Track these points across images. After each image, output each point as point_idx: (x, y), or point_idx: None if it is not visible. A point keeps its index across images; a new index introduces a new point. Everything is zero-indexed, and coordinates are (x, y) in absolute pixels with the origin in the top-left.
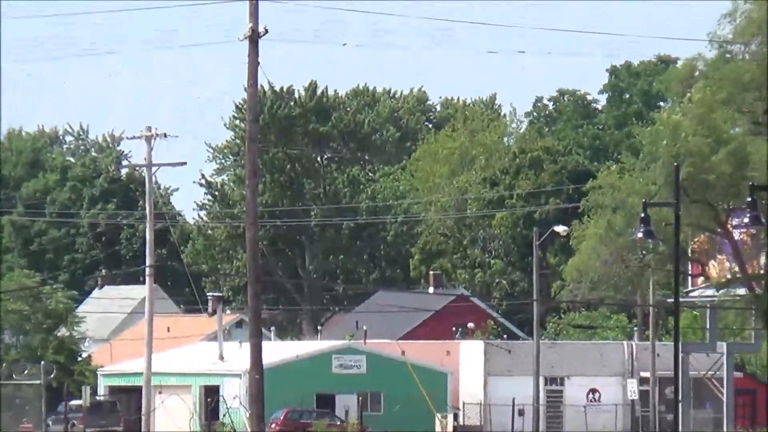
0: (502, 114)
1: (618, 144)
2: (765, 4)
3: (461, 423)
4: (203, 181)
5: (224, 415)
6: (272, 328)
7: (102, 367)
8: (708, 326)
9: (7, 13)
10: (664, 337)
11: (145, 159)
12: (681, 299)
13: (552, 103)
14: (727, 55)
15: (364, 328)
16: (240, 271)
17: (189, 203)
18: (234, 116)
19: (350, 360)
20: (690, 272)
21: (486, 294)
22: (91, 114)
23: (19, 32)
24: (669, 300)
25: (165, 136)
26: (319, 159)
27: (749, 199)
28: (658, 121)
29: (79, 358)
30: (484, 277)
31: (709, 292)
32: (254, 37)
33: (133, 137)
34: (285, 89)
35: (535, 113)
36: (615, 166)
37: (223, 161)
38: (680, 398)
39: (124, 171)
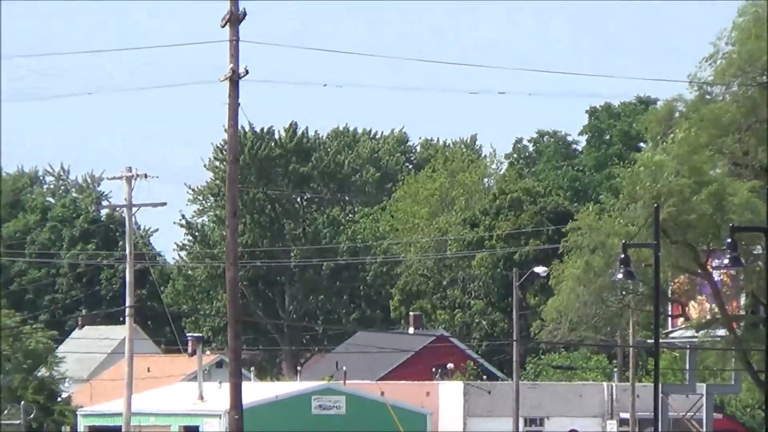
0: (482, 155)
1: (598, 185)
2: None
3: None
4: (183, 222)
5: None
6: (252, 369)
7: (82, 407)
8: (688, 367)
9: None
10: (644, 378)
11: (125, 199)
12: (661, 340)
13: (532, 144)
14: (707, 97)
15: (344, 368)
16: (220, 312)
17: (169, 244)
18: (214, 157)
19: (330, 401)
20: (670, 313)
21: (465, 335)
22: (71, 154)
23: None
24: (649, 341)
25: (145, 176)
26: (299, 200)
27: (729, 240)
28: (639, 161)
29: (59, 399)
30: (463, 317)
31: (689, 333)
32: (234, 78)
33: (114, 178)
34: (265, 130)
35: (515, 154)
36: (594, 206)
37: (203, 202)
38: None
39: (104, 211)
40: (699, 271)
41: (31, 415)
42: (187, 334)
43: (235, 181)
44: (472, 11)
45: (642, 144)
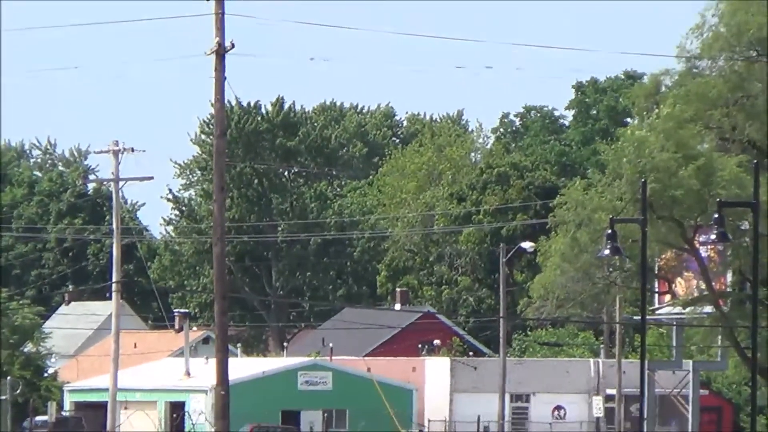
0: (468, 130)
1: (585, 160)
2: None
3: None
4: (170, 197)
5: (189, 431)
6: (238, 345)
7: (68, 383)
8: (674, 344)
9: None
10: (630, 355)
11: (112, 173)
12: (647, 317)
13: (519, 119)
14: (695, 70)
15: (330, 344)
16: (207, 287)
17: (156, 218)
18: (200, 131)
19: (316, 377)
20: (657, 290)
21: (452, 311)
22: (58, 128)
23: None
24: (635, 318)
25: (132, 150)
26: (286, 174)
27: (716, 216)
28: (622, 137)
29: (45, 374)
30: (450, 294)
31: (676, 309)
32: (221, 52)
33: (101, 152)
34: (252, 104)
35: (501, 129)
36: (581, 181)
37: (190, 176)
38: (646, 416)
39: (91, 185)
40: (686, 247)
41: (17, 391)
42: (174, 310)
43: (222, 155)
44: None
45: (629, 119)
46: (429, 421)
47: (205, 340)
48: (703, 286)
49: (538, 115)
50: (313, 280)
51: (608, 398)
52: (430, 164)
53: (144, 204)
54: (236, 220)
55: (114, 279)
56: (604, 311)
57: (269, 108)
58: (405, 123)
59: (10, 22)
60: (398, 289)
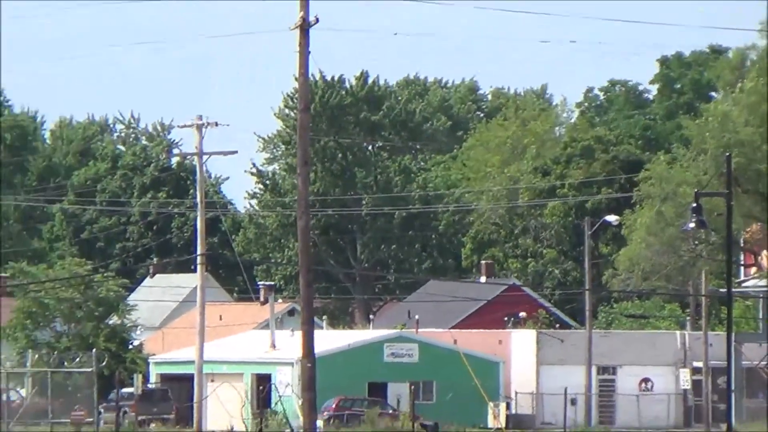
0: (552, 104)
1: (669, 134)
2: None
3: (513, 412)
4: (254, 170)
5: (276, 403)
6: (324, 317)
7: (153, 355)
8: (760, 316)
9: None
10: (716, 327)
11: (196, 147)
12: (733, 289)
13: (603, 93)
14: None
15: (416, 317)
16: (292, 260)
17: (240, 192)
18: (284, 105)
19: (402, 349)
20: (742, 262)
21: (538, 284)
22: (141, 103)
23: (69, 21)
24: (721, 290)
25: (216, 124)
26: (370, 148)
27: None
28: (706, 112)
29: (131, 347)
30: (536, 266)
31: (762, 282)
32: (305, 26)
33: (184, 126)
34: (336, 78)
35: (585, 103)
36: (665, 156)
37: (274, 150)
38: (732, 388)
39: (174, 159)
40: None
41: (103, 363)
42: (259, 283)
43: (306, 129)
44: None
45: (713, 93)
46: (516, 393)
47: (291, 312)
48: None
49: (623, 89)
50: (398, 253)
51: (695, 371)
52: (514, 138)
53: (228, 178)
54: (320, 194)
55: (199, 252)
56: (690, 284)
57: (353, 82)
58: (489, 97)
59: None
60: (483, 262)
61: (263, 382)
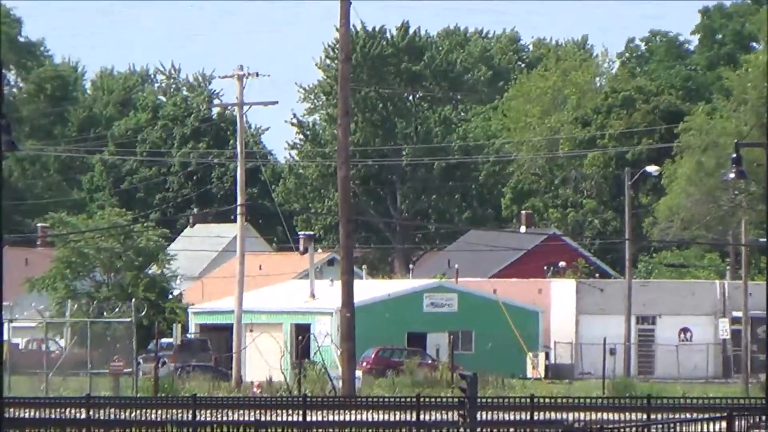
0: (593, 55)
1: (710, 85)
2: None
3: (552, 362)
4: (295, 121)
5: (315, 354)
6: (364, 267)
7: (193, 305)
8: None
9: None
10: (756, 277)
11: (236, 98)
12: None
13: (644, 44)
14: None
15: (456, 266)
16: (331, 210)
17: (280, 143)
18: (325, 56)
19: (442, 299)
20: None
21: (578, 233)
22: (182, 53)
23: None
24: (761, 240)
25: (257, 75)
26: (411, 98)
27: None
28: (747, 63)
29: (170, 296)
30: (575, 216)
31: None
32: None
33: (225, 76)
34: (377, 29)
35: (626, 54)
36: (705, 106)
37: (314, 101)
38: None
39: (215, 110)
40: None
41: (143, 313)
42: (299, 233)
43: (347, 80)
44: None
45: (754, 44)
46: (555, 342)
47: (330, 262)
48: None
49: (664, 40)
50: (438, 203)
51: (734, 320)
52: (555, 89)
53: (268, 128)
54: (360, 144)
55: (239, 202)
56: (730, 233)
57: (394, 32)
58: (530, 48)
59: None
60: (523, 212)
61: (302, 332)
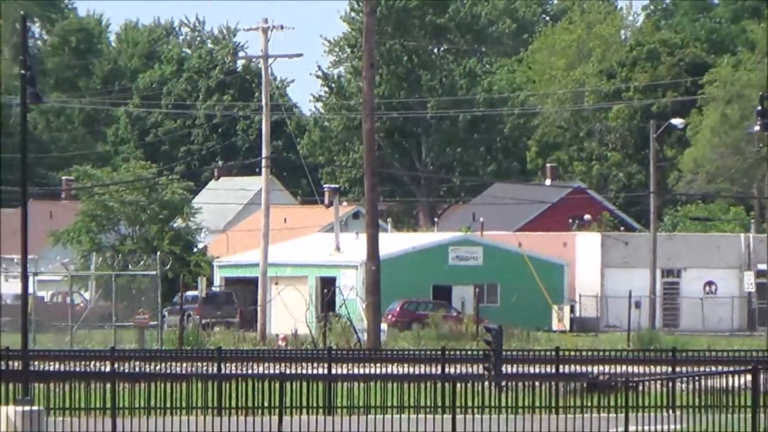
0: (618, 7)
1: (735, 38)
2: None
3: (578, 315)
4: (320, 74)
5: (340, 307)
6: (389, 220)
7: (218, 258)
8: None
9: None
10: None
11: (261, 50)
12: None
13: None
14: None
15: (481, 219)
16: (356, 163)
17: (305, 95)
18: (350, 9)
19: (467, 251)
20: None
21: (603, 186)
22: (207, 6)
23: None
24: None
25: (281, 28)
26: (435, 51)
27: None
28: None
29: (195, 249)
30: (600, 169)
31: None
32: None
33: (250, 29)
34: None
35: (651, 6)
36: (730, 59)
37: (339, 53)
38: None
39: (240, 62)
40: None
41: (167, 266)
42: (324, 185)
43: (372, 32)
44: None
45: None
46: (580, 296)
47: (355, 215)
48: None
49: None
50: (463, 156)
51: (759, 273)
52: (579, 41)
53: (293, 81)
54: (385, 97)
55: (264, 154)
56: (755, 186)
57: None
58: (555, 0)
59: None
60: (548, 165)
61: (327, 285)
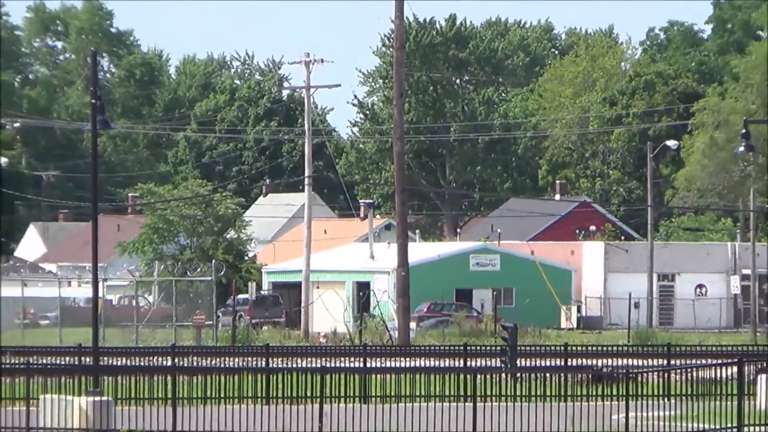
0: (619, 42)
1: (721, 69)
2: None
3: (584, 314)
4: (356, 102)
5: (374, 308)
6: (417, 231)
7: (266, 265)
8: None
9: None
10: (763, 239)
11: (304, 81)
12: None
13: (663, 33)
14: None
15: (498, 230)
16: (388, 181)
17: (343, 121)
18: (382, 44)
19: (486, 259)
20: None
21: (605, 200)
22: (255, 41)
23: None
24: (767, 206)
25: (322, 61)
26: (458, 82)
27: None
28: (751, 51)
29: (246, 258)
30: (603, 185)
31: None
32: None
33: (294, 62)
34: (428, 20)
35: (648, 41)
36: (717, 88)
37: (373, 84)
38: None
39: (285, 92)
40: None
41: (221, 273)
42: (360, 201)
43: (402, 65)
44: None
45: (761, 32)
46: (585, 298)
47: (387, 227)
48: None
49: (680, 29)
50: (483, 174)
51: (744, 277)
52: (585, 73)
53: (332, 108)
54: (414, 122)
55: (307, 173)
56: (740, 200)
57: (443, 23)
58: (563, 36)
59: None
60: (558, 182)
61: (363, 289)
